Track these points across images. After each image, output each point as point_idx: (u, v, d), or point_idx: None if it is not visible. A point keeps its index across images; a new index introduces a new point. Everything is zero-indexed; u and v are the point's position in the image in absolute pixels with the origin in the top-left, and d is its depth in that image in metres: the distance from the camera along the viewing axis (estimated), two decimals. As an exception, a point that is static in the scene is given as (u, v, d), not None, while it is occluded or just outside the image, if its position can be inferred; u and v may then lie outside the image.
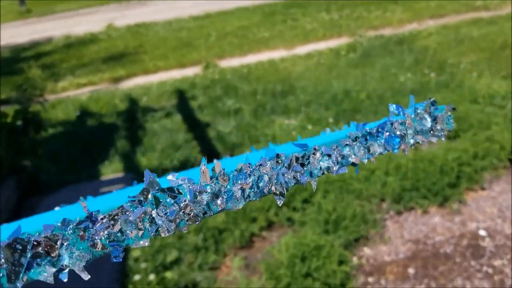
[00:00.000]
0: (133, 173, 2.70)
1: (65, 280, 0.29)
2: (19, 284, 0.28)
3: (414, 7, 6.27)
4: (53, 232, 0.29)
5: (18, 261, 0.28)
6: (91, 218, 0.30)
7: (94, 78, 5.08)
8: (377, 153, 0.40)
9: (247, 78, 4.25)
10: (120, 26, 7.68)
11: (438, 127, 0.42)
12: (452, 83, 3.47)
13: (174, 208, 0.32)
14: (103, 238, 0.30)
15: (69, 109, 4.07)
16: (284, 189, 0.36)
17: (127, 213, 0.31)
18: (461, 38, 4.60)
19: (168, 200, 0.32)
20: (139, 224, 0.31)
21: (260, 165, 0.36)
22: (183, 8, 8.34)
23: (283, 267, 1.81)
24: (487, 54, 4.06)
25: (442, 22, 5.46)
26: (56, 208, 0.38)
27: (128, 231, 0.31)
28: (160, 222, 0.32)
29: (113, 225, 0.30)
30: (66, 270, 0.29)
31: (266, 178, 0.35)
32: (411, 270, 1.85)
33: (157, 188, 0.32)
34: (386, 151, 0.40)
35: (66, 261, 0.29)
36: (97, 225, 0.30)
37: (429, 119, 0.42)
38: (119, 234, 0.30)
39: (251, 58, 5.06)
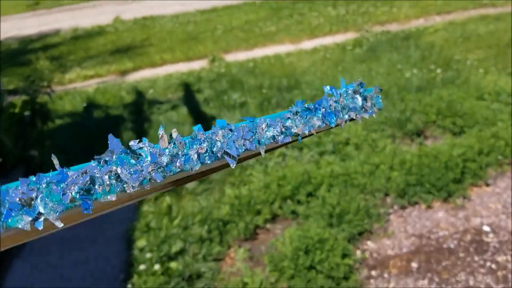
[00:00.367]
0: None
1: (40, 228, 0.32)
2: None
3: (421, 3, 6.24)
4: (29, 185, 0.32)
5: None
6: (62, 174, 0.33)
7: (101, 70, 5.10)
8: (316, 126, 0.45)
9: (253, 72, 4.25)
10: (127, 19, 7.68)
11: (369, 105, 0.49)
12: (458, 79, 3.47)
13: (137, 168, 0.36)
14: (73, 192, 0.33)
15: (76, 100, 4.09)
16: (235, 154, 0.40)
17: (95, 171, 0.34)
18: (468, 35, 4.59)
19: (131, 161, 0.36)
20: (106, 180, 0.34)
21: (213, 132, 0.40)
22: (190, 2, 8.33)
23: (286, 260, 1.82)
24: (494, 50, 4.04)
25: (449, 18, 5.44)
26: None
27: (96, 186, 0.34)
28: (125, 179, 0.35)
29: (82, 180, 0.34)
30: (41, 219, 0.32)
31: (218, 144, 0.40)
32: (414, 265, 1.86)
33: (120, 150, 0.36)
34: (324, 124, 0.46)
35: (41, 210, 0.32)
36: (68, 180, 0.33)
37: (359, 98, 0.48)
38: (88, 189, 0.34)
39: (257, 52, 5.06)
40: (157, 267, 1.88)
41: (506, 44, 4.17)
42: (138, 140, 0.37)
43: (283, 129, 0.43)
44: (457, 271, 1.81)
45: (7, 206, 0.31)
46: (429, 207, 2.17)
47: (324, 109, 0.46)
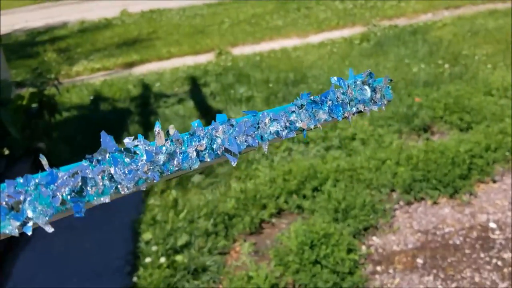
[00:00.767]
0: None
1: (29, 233, 0.30)
2: None
3: (430, -3, 6.20)
4: (16, 188, 0.30)
5: None
6: (52, 175, 0.31)
7: (108, 63, 5.11)
8: (322, 120, 0.43)
9: (260, 66, 4.24)
10: (134, 12, 7.68)
11: (378, 96, 0.47)
12: (466, 74, 3.44)
13: (132, 167, 0.34)
14: (64, 194, 0.31)
15: (83, 93, 4.11)
16: (237, 151, 0.38)
17: (87, 171, 0.32)
18: (476, 30, 4.55)
19: (125, 160, 0.34)
20: (99, 181, 0.33)
21: (213, 128, 0.38)
22: (197, -5, 8.31)
23: (292, 254, 1.83)
24: (503, 46, 4.01)
25: (457, 13, 5.40)
26: None
27: (88, 188, 0.32)
28: (119, 180, 0.33)
29: (73, 182, 0.32)
30: (30, 224, 0.30)
31: (219, 140, 0.38)
32: (419, 260, 1.86)
33: (113, 149, 0.34)
34: (330, 118, 0.44)
35: (29, 214, 0.30)
36: (58, 182, 0.31)
37: (368, 90, 0.46)
38: (80, 191, 0.32)
39: (264, 46, 5.04)
40: (163, 260, 1.89)
41: (515, 40, 4.13)
42: (134, 137, 0.35)
43: (287, 124, 0.42)
44: (462, 268, 1.80)
45: None
46: (435, 203, 2.16)
47: (331, 102, 0.44)
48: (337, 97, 0.45)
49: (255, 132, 0.40)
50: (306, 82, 3.70)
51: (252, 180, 2.35)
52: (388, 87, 0.48)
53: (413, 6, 5.87)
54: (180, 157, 0.36)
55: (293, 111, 0.42)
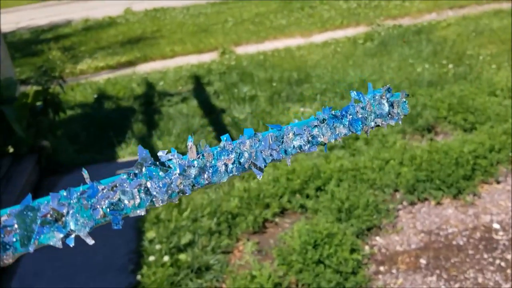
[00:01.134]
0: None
1: (72, 245, 0.32)
2: (31, 248, 0.31)
3: (434, -3, 6.18)
4: (60, 201, 0.32)
5: (29, 227, 0.31)
6: (93, 189, 0.33)
7: (112, 61, 5.11)
8: (342, 134, 0.45)
9: (263, 65, 4.24)
10: (138, 10, 7.69)
11: (395, 111, 0.48)
12: (471, 75, 3.44)
13: (166, 181, 0.36)
14: (104, 207, 0.33)
15: (87, 92, 4.12)
16: (263, 165, 0.40)
17: (125, 184, 0.34)
18: (481, 30, 4.54)
19: (160, 173, 0.36)
20: (136, 194, 0.34)
21: (240, 142, 0.40)
22: (201, -6, 8.31)
23: (295, 254, 1.83)
24: (507, 46, 4.00)
25: (462, 12, 5.38)
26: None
27: (125, 201, 0.34)
28: (154, 193, 0.35)
29: (112, 195, 0.33)
30: (73, 236, 0.32)
31: (246, 154, 0.39)
32: (422, 261, 1.86)
33: (149, 162, 0.35)
34: (350, 132, 0.45)
35: (72, 227, 0.32)
36: (98, 195, 0.33)
37: (386, 104, 0.47)
38: (118, 203, 0.34)
39: (268, 45, 5.04)
40: (166, 258, 1.90)
41: (519, 40, 4.12)
42: (167, 151, 0.37)
43: (309, 138, 0.43)
44: (465, 268, 1.80)
45: (39, 222, 0.31)
46: (438, 203, 2.16)
47: (351, 116, 0.45)
48: (357, 111, 0.46)
49: (280, 146, 0.41)
50: (310, 81, 3.70)
51: (256, 179, 2.36)
52: (405, 101, 0.49)
53: (417, 6, 5.86)
54: (210, 171, 0.38)
55: (315, 126, 0.44)
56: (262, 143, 0.40)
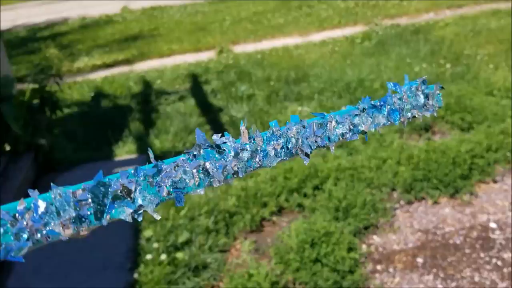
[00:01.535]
0: (146, 155, 2.73)
1: (140, 220, 0.33)
2: (104, 222, 0.33)
3: (432, -4, 6.19)
4: (128, 178, 0.34)
5: (102, 201, 0.32)
6: (157, 168, 0.35)
7: (109, 59, 5.10)
8: (381, 124, 0.46)
9: (261, 64, 4.24)
10: (135, 9, 7.68)
11: (430, 103, 0.49)
12: (468, 74, 3.44)
13: (222, 163, 0.37)
14: (168, 185, 0.35)
15: (84, 90, 4.11)
16: (309, 151, 0.42)
17: (185, 165, 0.36)
18: (479, 29, 4.55)
19: (216, 155, 0.37)
20: (195, 174, 0.36)
21: (288, 129, 0.41)
22: (199, -8, 8.30)
23: (292, 252, 1.83)
24: (505, 46, 4.01)
25: (459, 12, 5.39)
26: None
27: (187, 180, 0.36)
28: (212, 173, 0.37)
29: (174, 174, 0.35)
30: (141, 211, 0.34)
31: (293, 140, 0.41)
32: (419, 260, 1.86)
33: (206, 144, 0.37)
34: (388, 122, 0.46)
35: (140, 202, 0.34)
36: (162, 173, 0.35)
37: (422, 96, 0.49)
38: (180, 182, 0.36)
39: (265, 44, 5.04)
40: (163, 257, 1.89)
41: (517, 40, 4.13)
42: (221, 134, 0.38)
43: (351, 126, 0.44)
44: (462, 267, 1.81)
45: (110, 198, 0.32)
46: (435, 202, 2.17)
47: (389, 107, 0.46)
48: (394, 102, 0.47)
49: (323, 134, 0.43)
50: (308, 80, 3.70)
51: (253, 178, 2.36)
52: (439, 94, 0.50)
53: (415, 5, 5.87)
54: (261, 155, 0.40)
55: (356, 115, 0.45)
56: (307, 130, 0.42)
